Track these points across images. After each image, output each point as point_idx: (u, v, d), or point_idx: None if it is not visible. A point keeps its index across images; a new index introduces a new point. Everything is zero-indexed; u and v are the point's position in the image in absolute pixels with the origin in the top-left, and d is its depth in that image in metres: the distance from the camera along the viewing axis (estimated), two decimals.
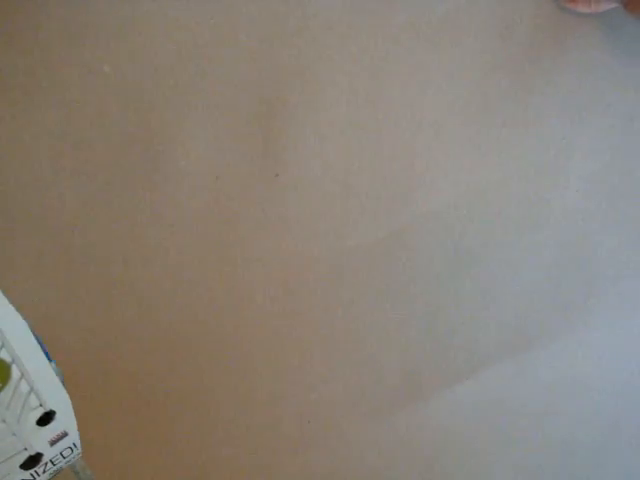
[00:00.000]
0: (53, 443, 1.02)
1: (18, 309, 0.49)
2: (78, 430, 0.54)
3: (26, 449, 0.94)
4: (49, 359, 0.87)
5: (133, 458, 0.66)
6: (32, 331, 0.82)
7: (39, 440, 0.99)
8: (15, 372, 0.88)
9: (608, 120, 0.54)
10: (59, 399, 0.99)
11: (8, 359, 0.85)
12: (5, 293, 0.79)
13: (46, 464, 1.02)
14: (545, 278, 0.62)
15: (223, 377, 0.65)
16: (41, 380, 0.93)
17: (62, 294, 0.49)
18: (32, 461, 0.97)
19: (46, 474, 1.00)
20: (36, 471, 1.00)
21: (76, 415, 0.52)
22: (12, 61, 0.39)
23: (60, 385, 0.96)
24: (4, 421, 0.86)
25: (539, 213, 0.58)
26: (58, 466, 1.02)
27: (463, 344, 0.65)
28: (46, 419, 0.97)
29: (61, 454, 1.05)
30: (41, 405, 0.95)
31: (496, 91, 0.49)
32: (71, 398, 0.53)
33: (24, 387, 0.92)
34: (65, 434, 1.03)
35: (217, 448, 0.75)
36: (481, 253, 0.59)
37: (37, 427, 0.97)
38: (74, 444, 1.05)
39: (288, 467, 0.73)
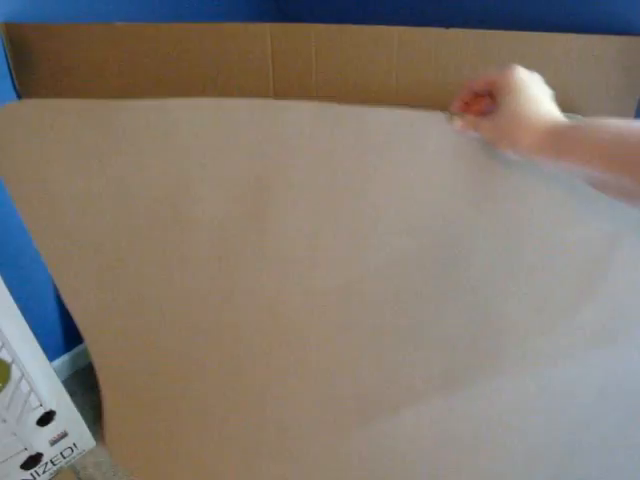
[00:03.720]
0: (53, 443, 1.02)
1: None
2: None
3: (26, 449, 0.94)
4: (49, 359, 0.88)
5: None
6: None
7: (39, 440, 0.99)
8: (15, 372, 0.88)
9: None
10: (59, 399, 1.00)
11: (8, 359, 0.86)
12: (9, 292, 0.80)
13: (46, 464, 1.02)
14: None
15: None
16: (41, 380, 0.93)
17: None
18: (32, 461, 0.97)
19: (46, 474, 1.00)
20: (36, 471, 1.01)
21: None
22: None
23: (60, 385, 0.96)
24: (4, 421, 0.86)
25: None
26: (58, 466, 1.03)
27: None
28: (46, 419, 0.97)
29: (61, 454, 1.05)
30: (41, 405, 0.96)
31: None
32: None
33: (24, 387, 0.92)
34: (65, 434, 1.04)
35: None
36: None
37: (37, 427, 0.97)
38: (74, 444, 1.05)
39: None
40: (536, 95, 0.40)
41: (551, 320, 0.50)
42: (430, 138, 0.46)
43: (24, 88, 0.79)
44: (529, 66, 0.70)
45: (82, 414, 1.01)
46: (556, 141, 0.37)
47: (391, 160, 0.48)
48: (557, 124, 0.38)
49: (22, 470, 0.97)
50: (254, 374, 0.64)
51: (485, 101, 0.43)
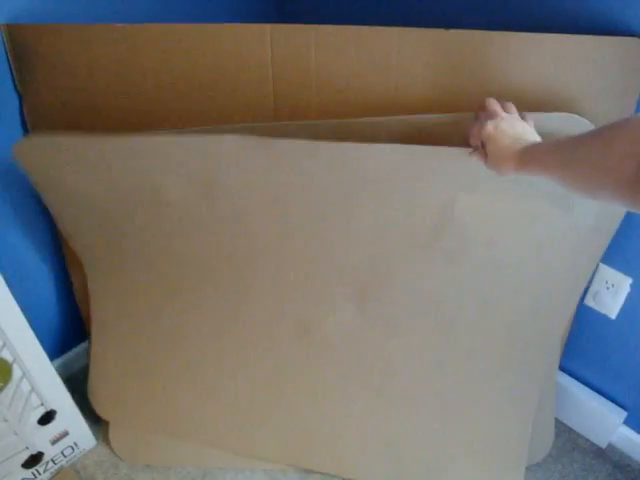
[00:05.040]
0: (54, 442, 1.02)
1: None
2: None
3: (27, 448, 0.94)
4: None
5: None
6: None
7: (40, 439, 0.99)
8: (16, 372, 0.89)
9: None
10: (60, 398, 1.00)
11: (9, 359, 0.86)
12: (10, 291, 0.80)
13: (47, 463, 1.02)
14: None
15: None
16: (42, 380, 0.94)
17: None
18: (33, 460, 0.97)
19: (47, 473, 1.00)
20: (37, 470, 1.01)
21: None
22: None
23: (61, 384, 0.96)
24: (6, 420, 0.86)
25: None
26: (59, 465, 1.03)
27: None
28: (47, 418, 0.97)
29: (62, 453, 1.03)
30: (42, 404, 0.96)
31: None
32: None
33: (25, 386, 0.92)
34: (66, 433, 1.04)
35: None
36: None
37: (38, 426, 0.97)
38: (75, 443, 1.05)
39: None
40: (504, 138, 0.60)
41: (421, 248, 0.78)
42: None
43: (24, 88, 0.80)
44: (529, 66, 0.70)
45: (83, 413, 1.02)
46: (520, 166, 0.57)
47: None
48: (520, 156, 0.57)
49: (23, 469, 0.97)
50: (213, 308, 0.90)
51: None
